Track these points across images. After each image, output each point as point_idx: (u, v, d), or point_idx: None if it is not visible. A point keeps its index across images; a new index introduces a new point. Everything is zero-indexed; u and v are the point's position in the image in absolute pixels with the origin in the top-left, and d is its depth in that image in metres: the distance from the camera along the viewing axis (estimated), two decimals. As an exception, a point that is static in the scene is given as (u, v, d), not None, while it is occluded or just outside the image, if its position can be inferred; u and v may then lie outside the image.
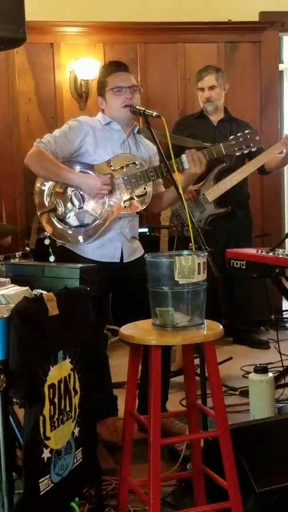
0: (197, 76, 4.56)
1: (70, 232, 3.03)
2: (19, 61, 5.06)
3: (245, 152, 3.28)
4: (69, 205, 3.03)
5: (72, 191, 3.02)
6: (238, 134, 3.21)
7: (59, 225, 3.04)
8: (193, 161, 3.03)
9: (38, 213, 3.06)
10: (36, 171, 3.01)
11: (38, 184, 3.08)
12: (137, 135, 3.18)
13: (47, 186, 3.05)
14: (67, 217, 3.03)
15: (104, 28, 5.21)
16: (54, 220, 3.04)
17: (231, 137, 3.24)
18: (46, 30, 5.00)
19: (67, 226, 3.03)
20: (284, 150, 4.30)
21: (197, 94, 4.60)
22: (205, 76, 4.48)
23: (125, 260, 3.06)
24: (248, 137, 3.21)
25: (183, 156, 3.05)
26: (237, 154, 3.29)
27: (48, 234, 3.09)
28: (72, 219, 3.03)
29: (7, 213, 4.79)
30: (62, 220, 3.04)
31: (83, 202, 3.02)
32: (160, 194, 3.21)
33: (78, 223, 3.03)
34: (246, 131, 3.25)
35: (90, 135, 3.03)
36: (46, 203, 3.04)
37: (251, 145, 3.22)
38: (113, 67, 3.12)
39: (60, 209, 3.03)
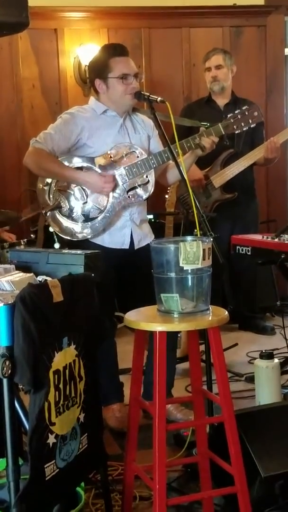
0: (204, 57, 4.53)
1: (76, 227, 3.02)
2: (22, 47, 5.04)
3: (245, 129, 3.21)
4: (73, 200, 3.02)
5: (75, 186, 3.01)
6: (236, 112, 3.15)
7: (65, 222, 3.02)
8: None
9: (43, 212, 3.05)
10: (37, 172, 3.01)
11: (40, 183, 3.06)
12: (133, 115, 3.15)
13: (50, 183, 3.04)
14: (72, 213, 3.02)
15: (108, 13, 5.18)
16: (60, 217, 3.03)
17: (229, 115, 3.19)
18: (49, 15, 4.97)
19: (73, 222, 3.02)
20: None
21: (205, 76, 4.56)
22: (212, 56, 4.45)
23: (135, 247, 3.06)
24: (246, 113, 3.13)
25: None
26: (236, 132, 3.24)
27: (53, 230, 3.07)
28: (77, 215, 3.02)
29: (12, 201, 4.79)
30: (67, 216, 3.02)
31: (87, 197, 3.00)
32: (167, 168, 3.17)
33: (84, 218, 3.02)
34: (243, 108, 3.17)
35: (86, 128, 3.00)
36: (50, 201, 3.03)
37: (250, 121, 3.14)
38: (117, 50, 3.04)
39: (65, 206, 3.02)
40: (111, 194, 2.98)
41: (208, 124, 3.12)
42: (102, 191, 2.96)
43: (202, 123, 3.17)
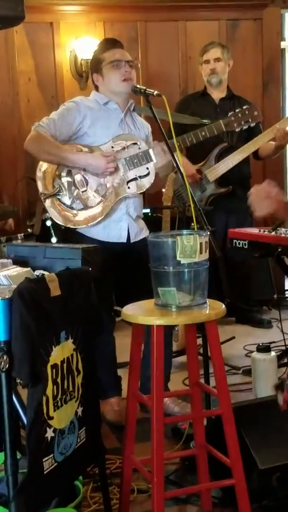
0: (201, 50, 4.53)
1: (75, 215, 3.02)
2: (18, 40, 5.01)
3: (245, 127, 3.27)
4: (72, 188, 3.02)
5: (75, 174, 3.01)
6: (237, 110, 3.22)
7: (63, 209, 3.02)
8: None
9: (42, 198, 3.04)
10: (38, 155, 2.99)
11: (39, 169, 3.05)
12: (133, 113, 3.17)
13: (49, 170, 3.03)
14: (71, 200, 3.01)
15: (104, 6, 5.16)
16: (58, 204, 3.02)
17: (230, 113, 3.23)
18: (45, 8, 4.95)
19: (71, 210, 3.02)
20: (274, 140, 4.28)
21: (201, 69, 4.56)
22: (211, 49, 4.47)
23: (132, 240, 3.06)
24: (247, 112, 3.21)
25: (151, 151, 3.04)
26: (237, 130, 3.29)
27: (50, 216, 3.08)
28: (76, 202, 3.01)
29: (9, 195, 4.78)
30: (66, 203, 3.02)
31: (87, 185, 3.00)
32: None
33: (82, 206, 3.01)
34: (244, 107, 3.24)
35: (88, 116, 3.01)
36: (49, 187, 3.03)
37: (250, 120, 3.22)
38: (109, 44, 3.11)
39: (64, 193, 3.01)
40: (110, 183, 2.99)
41: (209, 121, 3.16)
42: (104, 171, 2.96)
43: (203, 120, 3.21)
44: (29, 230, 4.27)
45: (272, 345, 3.49)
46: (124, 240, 3.05)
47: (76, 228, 3.03)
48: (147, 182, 3.06)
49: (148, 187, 3.07)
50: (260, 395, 3.04)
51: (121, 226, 3.05)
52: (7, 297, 1.70)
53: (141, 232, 3.12)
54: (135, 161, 2.99)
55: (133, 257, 2.99)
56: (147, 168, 3.04)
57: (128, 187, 3.02)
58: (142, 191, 3.09)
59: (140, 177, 3.04)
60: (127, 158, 2.99)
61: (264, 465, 2.23)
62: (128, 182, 3.02)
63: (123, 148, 3.01)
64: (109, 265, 2.85)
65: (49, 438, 1.80)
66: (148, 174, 3.05)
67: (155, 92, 2.83)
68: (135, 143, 3.03)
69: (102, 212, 3.00)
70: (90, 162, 2.96)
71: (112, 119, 3.06)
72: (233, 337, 4.18)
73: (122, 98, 3.07)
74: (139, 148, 3.03)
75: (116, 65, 3.00)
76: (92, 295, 2.02)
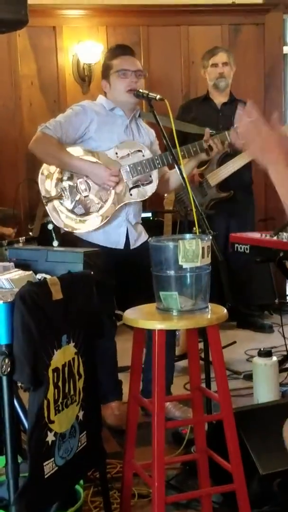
0: (208, 54, 4.52)
1: (76, 220, 3.01)
2: (21, 44, 5.02)
3: None
4: (75, 193, 3.02)
5: (78, 179, 3.01)
6: None
7: (64, 213, 3.02)
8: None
9: (43, 201, 3.04)
10: (42, 157, 2.99)
11: (42, 172, 3.05)
12: (138, 120, 3.18)
13: (52, 173, 3.03)
14: (73, 205, 3.01)
15: (107, 11, 5.17)
16: (59, 208, 3.02)
17: (236, 125, 3.24)
18: (48, 13, 4.96)
19: (72, 214, 3.02)
20: None
21: (205, 73, 4.55)
22: (218, 53, 4.47)
23: (131, 247, 3.07)
24: None
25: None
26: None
27: (51, 219, 3.08)
28: (78, 207, 3.01)
29: (10, 199, 4.78)
30: (67, 207, 3.02)
31: (89, 190, 3.01)
32: (166, 176, 3.20)
33: (84, 211, 3.01)
34: None
35: (95, 121, 3.01)
36: (51, 191, 3.03)
37: None
38: (119, 50, 3.09)
39: (66, 197, 3.01)
40: (113, 189, 2.99)
41: (215, 132, 3.17)
42: (105, 183, 2.96)
43: (210, 131, 3.22)
44: (30, 233, 4.28)
45: (273, 350, 3.48)
46: (121, 246, 3.05)
47: (75, 232, 3.03)
48: (149, 190, 3.06)
49: (150, 195, 3.08)
50: (261, 400, 3.03)
51: (120, 232, 3.06)
52: (9, 300, 1.70)
53: (139, 237, 3.12)
54: (139, 168, 3.00)
55: (132, 261, 3.00)
56: (150, 176, 3.05)
57: (131, 194, 3.03)
58: (144, 199, 3.09)
59: (143, 184, 3.04)
60: (131, 165, 3.00)
61: (265, 471, 2.23)
62: (130, 189, 3.02)
63: (127, 155, 3.02)
64: (108, 269, 2.86)
65: (50, 442, 1.80)
66: (151, 181, 3.05)
67: (158, 96, 2.84)
68: (139, 151, 3.04)
69: (103, 218, 3.00)
70: (94, 172, 2.96)
71: (118, 125, 3.07)
72: (235, 342, 4.18)
73: (128, 107, 3.08)
74: (143, 156, 3.03)
75: (122, 74, 3.00)
76: (93, 299, 2.02)
